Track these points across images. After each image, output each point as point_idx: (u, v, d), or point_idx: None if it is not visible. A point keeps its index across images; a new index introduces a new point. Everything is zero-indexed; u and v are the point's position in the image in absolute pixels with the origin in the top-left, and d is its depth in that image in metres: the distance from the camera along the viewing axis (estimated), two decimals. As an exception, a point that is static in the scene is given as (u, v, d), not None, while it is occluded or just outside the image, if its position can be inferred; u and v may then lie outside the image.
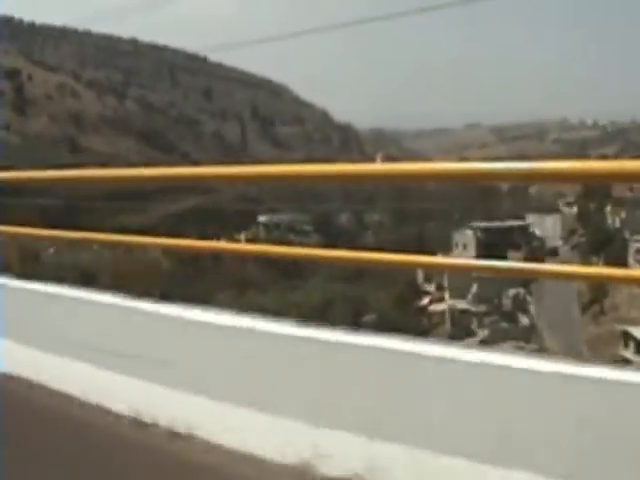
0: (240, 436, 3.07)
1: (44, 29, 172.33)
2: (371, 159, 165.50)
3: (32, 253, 71.82)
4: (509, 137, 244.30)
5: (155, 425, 3.33)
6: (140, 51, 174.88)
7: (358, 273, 75.67)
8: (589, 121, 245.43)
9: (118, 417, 3.47)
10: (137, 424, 3.38)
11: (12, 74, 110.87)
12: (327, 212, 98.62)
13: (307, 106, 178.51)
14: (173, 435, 3.22)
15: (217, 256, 76.93)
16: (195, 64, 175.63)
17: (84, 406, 3.63)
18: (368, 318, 56.81)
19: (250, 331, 3.66)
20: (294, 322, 3.77)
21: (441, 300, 58.02)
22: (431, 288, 57.82)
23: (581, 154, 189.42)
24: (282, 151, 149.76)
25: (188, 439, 3.18)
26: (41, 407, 3.73)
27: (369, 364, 3.25)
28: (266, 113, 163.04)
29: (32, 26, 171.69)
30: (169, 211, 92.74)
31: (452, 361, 3.00)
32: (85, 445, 3.36)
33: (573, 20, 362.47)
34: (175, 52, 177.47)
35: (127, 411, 3.46)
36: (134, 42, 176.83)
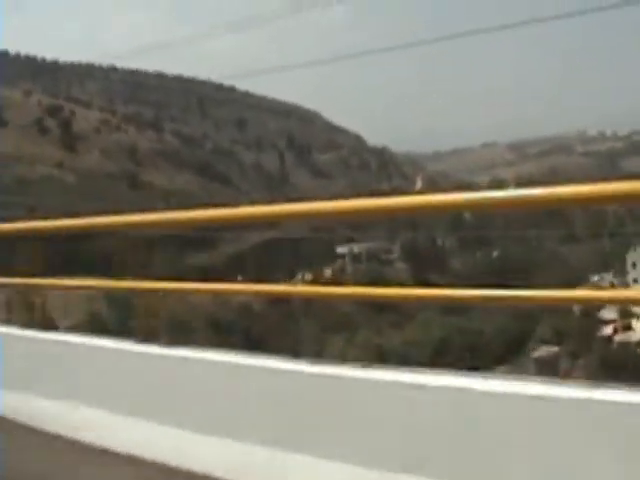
0: None
1: (67, 67, 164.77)
2: (411, 181, 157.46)
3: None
4: (531, 154, 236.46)
5: None
6: (167, 84, 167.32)
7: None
8: (608, 132, 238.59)
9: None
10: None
11: (54, 110, 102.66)
12: (410, 239, 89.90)
13: (340, 131, 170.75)
14: None
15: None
16: (223, 94, 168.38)
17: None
18: (544, 352, 48.12)
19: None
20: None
21: (628, 329, 49.19)
22: (611, 315, 48.83)
23: (613, 166, 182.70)
24: (323, 180, 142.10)
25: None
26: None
27: None
28: (302, 141, 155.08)
29: (55, 64, 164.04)
30: (239, 248, 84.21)
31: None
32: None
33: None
34: (203, 83, 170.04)
35: None
36: (160, 76, 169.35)
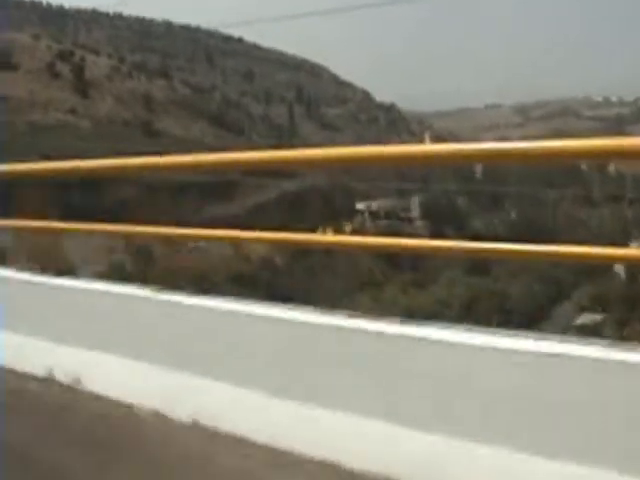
0: None
1: (73, 13, 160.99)
2: (420, 139, 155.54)
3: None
4: (536, 116, 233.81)
5: None
6: (174, 33, 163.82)
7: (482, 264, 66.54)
8: (614, 98, 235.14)
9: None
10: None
11: (65, 56, 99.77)
12: (429, 197, 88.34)
13: (348, 86, 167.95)
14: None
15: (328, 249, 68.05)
16: (231, 45, 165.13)
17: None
18: (588, 320, 46.90)
19: None
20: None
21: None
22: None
23: (619, 131, 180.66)
24: (331, 133, 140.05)
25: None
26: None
27: None
28: (310, 94, 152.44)
29: (61, 10, 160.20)
30: (259, 200, 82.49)
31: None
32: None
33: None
34: (210, 34, 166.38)
35: None
36: (167, 24, 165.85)
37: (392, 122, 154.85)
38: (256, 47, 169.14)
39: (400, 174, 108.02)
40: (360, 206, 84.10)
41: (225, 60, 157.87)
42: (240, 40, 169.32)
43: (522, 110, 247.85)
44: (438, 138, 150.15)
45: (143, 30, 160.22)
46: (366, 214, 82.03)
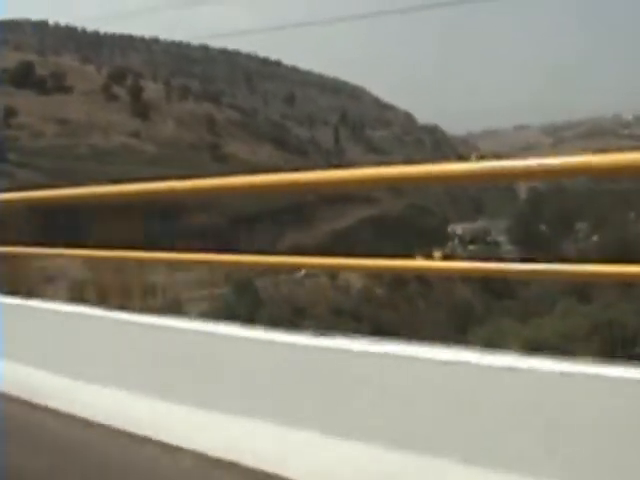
0: None
1: (108, 38, 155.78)
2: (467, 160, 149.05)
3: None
4: (568, 137, 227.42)
5: None
6: (211, 56, 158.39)
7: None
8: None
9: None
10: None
11: (118, 78, 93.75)
12: (516, 220, 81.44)
13: (389, 108, 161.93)
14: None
15: (421, 276, 61.82)
16: (269, 68, 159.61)
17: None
18: None
19: None
20: None
21: None
22: None
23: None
24: (379, 156, 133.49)
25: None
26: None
27: None
28: (354, 117, 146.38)
29: (97, 35, 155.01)
30: (338, 226, 75.71)
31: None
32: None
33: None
34: (248, 57, 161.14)
35: None
36: (204, 48, 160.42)
37: (437, 144, 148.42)
38: (295, 70, 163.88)
39: (454, 197, 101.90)
40: (449, 230, 77.12)
41: (264, 83, 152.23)
42: (278, 63, 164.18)
43: (552, 131, 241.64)
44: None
45: (180, 54, 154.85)
46: (456, 240, 75.05)
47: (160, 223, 66.49)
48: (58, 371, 4.07)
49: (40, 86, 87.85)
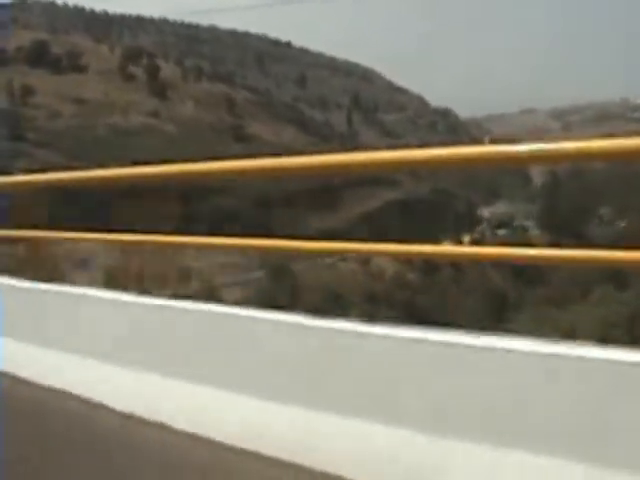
0: None
1: (118, 18, 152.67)
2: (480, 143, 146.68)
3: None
4: (576, 121, 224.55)
5: None
6: (221, 38, 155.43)
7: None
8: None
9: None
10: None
11: (135, 56, 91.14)
12: (545, 205, 79.17)
13: (402, 92, 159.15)
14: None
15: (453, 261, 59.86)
16: (280, 50, 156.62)
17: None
18: None
19: None
20: None
21: None
22: None
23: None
24: (392, 139, 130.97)
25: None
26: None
27: None
28: (366, 100, 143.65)
29: (106, 16, 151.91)
30: (364, 210, 73.44)
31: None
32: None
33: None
34: (258, 38, 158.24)
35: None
36: (213, 29, 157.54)
37: (452, 127, 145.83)
38: (305, 51, 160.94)
39: (469, 180, 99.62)
40: (480, 213, 74.83)
41: (275, 65, 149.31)
42: (289, 45, 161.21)
43: (559, 115, 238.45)
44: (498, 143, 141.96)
45: (189, 35, 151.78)
46: (484, 224, 72.71)
47: (185, 206, 64.19)
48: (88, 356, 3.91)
49: (55, 65, 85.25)
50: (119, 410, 3.44)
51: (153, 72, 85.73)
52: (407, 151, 2.67)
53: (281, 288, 47.92)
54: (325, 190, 72.29)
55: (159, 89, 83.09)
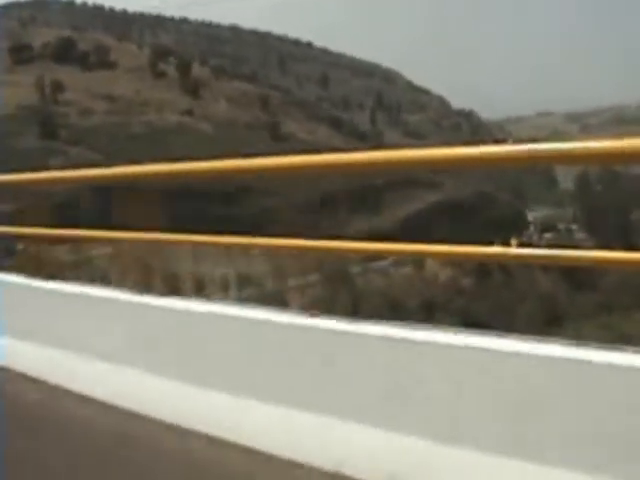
0: None
1: (137, 17, 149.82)
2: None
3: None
4: (594, 124, 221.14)
5: None
6: (241, 37, 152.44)
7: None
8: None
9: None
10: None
11: (165, 54, 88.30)
12: (589, 207, 75.86)
13: (423, 92, 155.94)
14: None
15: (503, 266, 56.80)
16: (300, 50, 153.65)
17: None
18: None
19: None
20: None
21: None
22: None
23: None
24: (416, 140, 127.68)
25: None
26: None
27: None
28: (389, 101, 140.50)
29: (125, 14, 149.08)
30: (407, 211, 70.21)
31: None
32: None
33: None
34: (279, 39, 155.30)
35: None
36: (234, 28, 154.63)
37: (475, 129, 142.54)
38: (326, 52, 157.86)
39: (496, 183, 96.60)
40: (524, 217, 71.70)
41: (296, 65, 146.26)
42: (309, 45, 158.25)
43: (576, 118, 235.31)
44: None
45: (210, 34, 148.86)
46: (532, 227, 69.54)
47: (224, 207, 61.07)
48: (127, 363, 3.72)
49: (83, 62, 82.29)
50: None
51: (185, 70, 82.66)
52: (450, 150, 2.51)
53: (340, 294, 44.74)
54: (366, 191, 69.19)
55: (192, 87, 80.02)
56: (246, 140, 70.25)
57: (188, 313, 3.54)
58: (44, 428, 3.38)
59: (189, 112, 75.20)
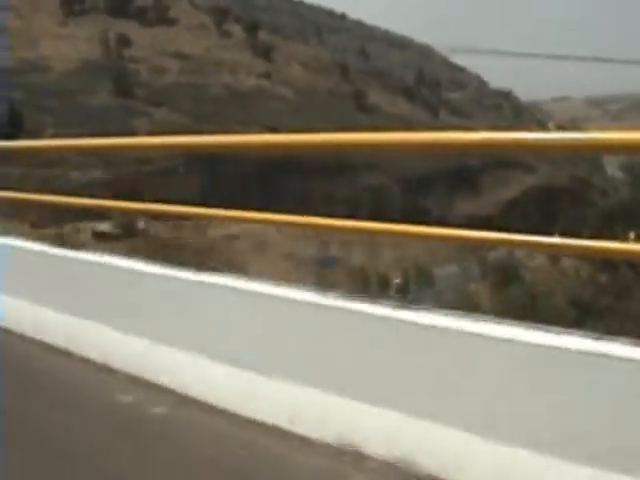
0: None
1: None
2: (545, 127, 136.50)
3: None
4: (615, 110, 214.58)
5: None
6: (275, 5, 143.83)
7: None
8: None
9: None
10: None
11: (221, 13, 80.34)
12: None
13: (460, 70, 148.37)
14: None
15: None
16: (335, 21, 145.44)
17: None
18: None
19: None
20: None
21: None
22: None
23: None
24: (462, 119, 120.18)
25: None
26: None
27: None
28: (429, 77, 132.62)
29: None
30: (506, 195, 63.19)
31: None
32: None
33: None
34: (311, 8, 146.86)
35: None
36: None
37: (518, 110, 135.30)
38: (360, 24, 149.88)
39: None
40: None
41: (332, 36, 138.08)
42: (343, 16, 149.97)
43: (596, 103, 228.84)
44: (561, 129, 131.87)
45: (245, 1, 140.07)
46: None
47: (324, 182, 53.52)
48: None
49: (141, 17, 73.90)
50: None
51: (253, 30, 74.56)
52: (547, 135, 2.32)
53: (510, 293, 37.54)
54: (463, 172, 62.00)
55: (263, 50, 71.97)
56: (331, 109, 62.65)
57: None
58: None
59: (266, 75, 67.24)
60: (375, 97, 71.01)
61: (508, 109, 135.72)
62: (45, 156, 45.28)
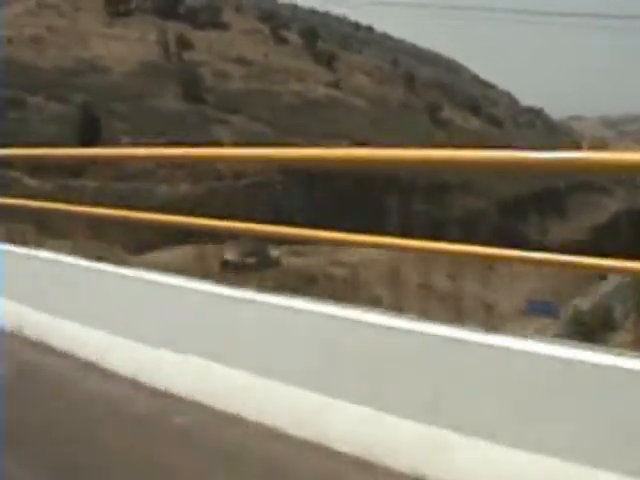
0: None
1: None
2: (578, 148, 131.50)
3: None
4: (632, 130, 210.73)
5: None
6: (300, 17, 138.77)
7: None
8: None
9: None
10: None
11: (268, 18, 75.47)
12: None
13: (490, 86, 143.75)
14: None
15: None
16: (362, 34, 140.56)
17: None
18: None
19: None
20: None
21: None
22: None
23: None
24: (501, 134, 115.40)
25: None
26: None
27: None
28: (461, 93, 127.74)
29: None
30: (595, 220, 58.05)
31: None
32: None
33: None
34: (338, 19, 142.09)
35: None
36: (293, 7, 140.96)
37: (551, 127, 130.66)
38: (387, 37, 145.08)
39: None
40: None
41: (364, 48, 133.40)
42: (370, 29, 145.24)
43: (611, 123, 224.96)
44: (594, 148, 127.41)
45: (269, 11, 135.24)
46: None
47: (421, 203, 47.97)
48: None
49: (192, 19, 68.44)
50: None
51: (311, 37, 69.30)
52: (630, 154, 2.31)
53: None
54: (550, 195, 56.87)
55: (324, 58, 66.66)
56: (404, 121, 57.27)
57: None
58: None
59: (334, 85, 61.84)
60: (448, 111, 65.79)
61: (541, 126, 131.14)
62: (124, 168, 39.26)
